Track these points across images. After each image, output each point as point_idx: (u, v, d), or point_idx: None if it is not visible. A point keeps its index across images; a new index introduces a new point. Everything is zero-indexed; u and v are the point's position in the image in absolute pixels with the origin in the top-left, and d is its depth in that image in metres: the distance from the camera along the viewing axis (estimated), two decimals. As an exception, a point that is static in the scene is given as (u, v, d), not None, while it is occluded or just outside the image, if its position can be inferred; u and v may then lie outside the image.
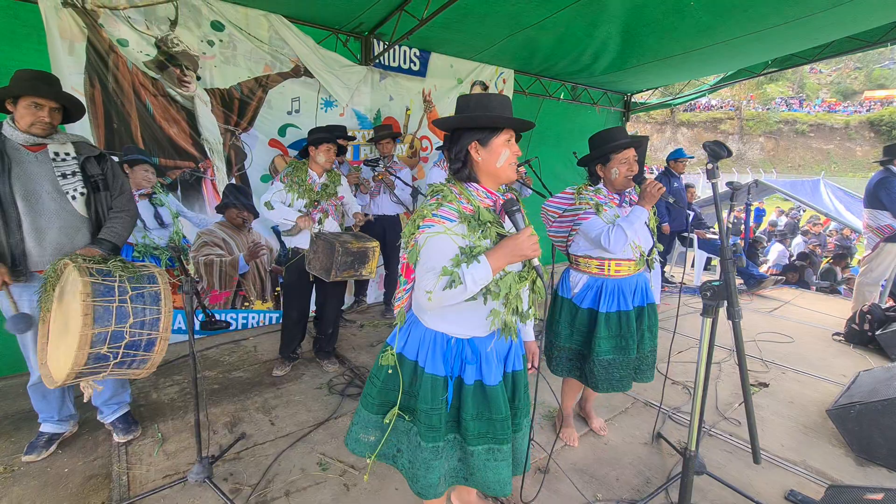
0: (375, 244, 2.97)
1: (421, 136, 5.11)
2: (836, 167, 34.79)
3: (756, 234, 9.87)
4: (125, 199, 2.32)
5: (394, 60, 4.69)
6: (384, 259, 4.53)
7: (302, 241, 3.08)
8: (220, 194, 3.90)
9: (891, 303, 5.22)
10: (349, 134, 4.28)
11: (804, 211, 15.24)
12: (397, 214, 4.37)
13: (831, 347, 4.05)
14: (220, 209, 3.93)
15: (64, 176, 2.10)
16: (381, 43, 4.49)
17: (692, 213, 5.98)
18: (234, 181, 3.93)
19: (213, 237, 3.97)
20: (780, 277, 5.81)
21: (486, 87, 5.50)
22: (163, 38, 3.36)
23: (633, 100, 7.61)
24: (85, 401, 2.16)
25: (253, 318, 4.21)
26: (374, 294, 4.94)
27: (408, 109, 4.90)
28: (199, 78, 3.59)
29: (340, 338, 3.94)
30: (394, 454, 1.57)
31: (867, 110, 37.89)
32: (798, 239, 11.21)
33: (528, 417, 1.60)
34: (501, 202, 1.45)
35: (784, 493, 2.20)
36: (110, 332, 1.85)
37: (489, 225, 1.37)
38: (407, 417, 1.52)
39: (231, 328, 4.11)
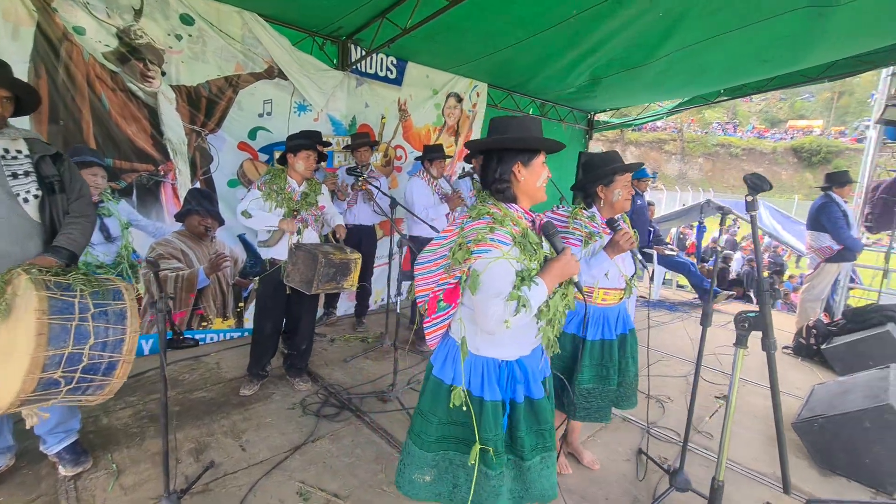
0: (358, 256, 2.86)
1: (395, 144, 5.03)
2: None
3: (724, 252, 10.47)
4: (84, 204, 2.08)
5: (370, 67, 4.59)
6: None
7: (279, 252, 2.91)
8: (182, 200, 3.62)
9: (826, 318, 5.69)
10: (325, 139, 4.11)
11: (739, 227, 16.46)
12: (373, 225, 4.26)
13: (783, 360, 4.33)
14: (180, 216, 3.64)
15: (15, 176, 1.85)
16: (359, 49, 4.39)
17: (653, 230, 6.26)
18: (198, 185, 3.67)
19: (170, 248, 3.67)
20: (731, 292, 6.19)
21: (460, 100, 5.51)
22: (125, 29, 3.09)
23: (596, 118, 7.91)
24: (27, 428, 1.91)
25: (212, 338, 3.91)
26: (344, 306, 4.76)
27: (383, 117, 4.81)
28: (164, 73, 3.33)
29: (311, 353, 3.76)
30: (450, 491, 1.53)
31: (791, 137, 41.69)
32: (737, 254, 12.06)
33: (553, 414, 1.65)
34: (540, 223, 1.51)
35: (761, 506, 2.29)
36: (66, 355, 1.63)
37: (536, 247, 1.43)
38: (491, 451, 1.45)
39: (196, 344, 3.79)
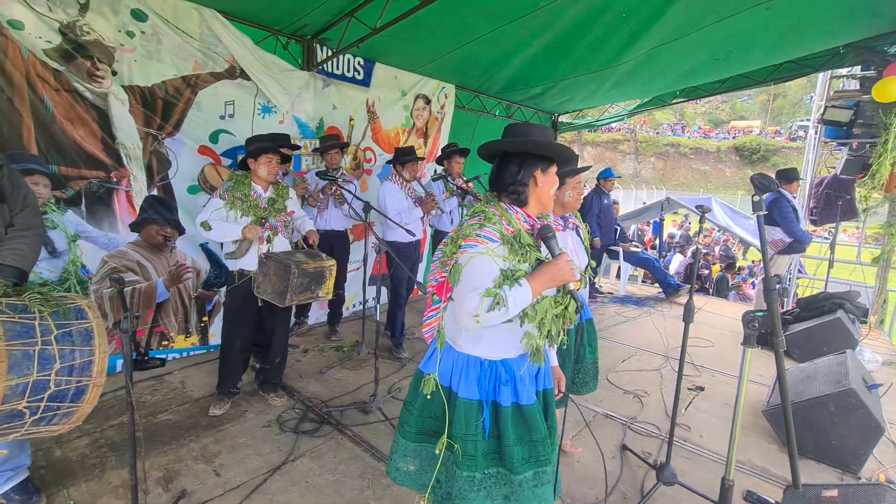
0: (332, 263, 2.76)
1: (364, 147, 4.91)
2: (711, 185, 40.13)
3: (695, 247, 10.89)
4: (30, 214, 1.88)
5: (337, 68, 4.46)
6: (328, 277, 4.25)
7: (248, 263, 2.76)
8: (137, 208, 3.37)
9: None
10: (293, 142, 3.96)
11: (691, 224, 17.36)
12: (346, 230, 4.13)
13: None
14: (136, 226, 3.37)
15: (-53, 187, 1.64)
16: (326, 49, 4.26)
17: (618, 228, 6.44)
18: (155, 192, 3.43)
19: (124, 261, 3.39)
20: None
21: (429, 101, 5.46)
22: (70, 24, 2.84)
23: (560, 119, 8.07)
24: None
25: (174, 357, 3.67)
26: (315, 314, 4.60)
27: (351, 119, 4.68)
28: (114, 73, 3.09)
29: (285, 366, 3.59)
30: (433, 486, 1.53)
31: (733, 137, 44.38)
32: (693, 249, 12.67)
33: (556, 437, 1.61)
34: (538, 227, 1.48)
35: (742, 493, 2.37)
36: (31, 383, 1.46)
37: (529, 248, 1.41)
38: (456, 446, 1.45)
39: (163, 364, 3.51)
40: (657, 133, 44.73)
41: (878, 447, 2.65)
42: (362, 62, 4.65)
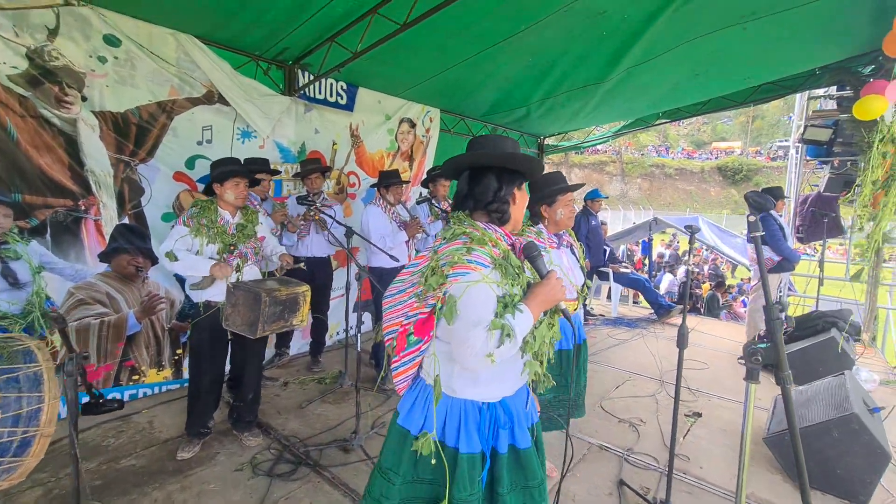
0: (305, 288, 2.63)
1: (348, 171, 4.84)
2: (697, 205, 40.83)
3: (686, 267, 10.88)
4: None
5: (319, 93, 4.43)
6: (311, 303, 4.08)
7: (215, 294, 2.60)
8: (107, 237, 3.22)
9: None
10: (272, 167, 3.87)
11: (680, 243, 17.49)
12: (328, 256, 4.01)
13: (738, 371, 4.44)
14: (106, 256, 3.23)
15: None
16: (307, 74, 4.22)
17: (608, 249, 6.39)
18: (126, 221, 3.29)
19: (92, 292, 3.23)
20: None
21: (413, 125, 5.44)
22: (37, 49, 2.75)
23: (546, 142, 8.12)
24: None
25: (145, 393, 3.46)
26: (297, 344, 4.41)
27: (334, 144, 4.62)
28: (84, 98, 2.99)
29: (262, 400, 3.39)
30: None
31: (716, 158, 45.45)
32: (682, 268, 12.68)
33: (545, 468, 1.47)
34: (520, 246, 1.39)
35: (748, 531, 2.22)
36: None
37: (519, 271, 1.32)
38: None
39: (122, 407, 3.29)
40: (642, 154, 45.66)
41: (886, 475, 2.53)
42: (345, 87, 4.62)
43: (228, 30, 3.43)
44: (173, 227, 2.52)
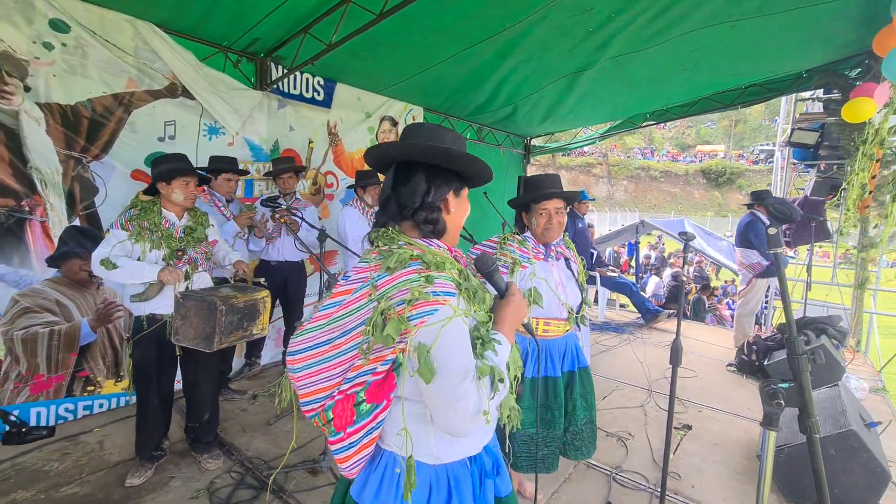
0: (265, 294, 2.41)
1: (326, 170, 4.61)
2: (681, 207, 41.31)
3: (674, 270, 10.82)
4: None
5: (294, 88, 4.20)
6: (284, 310, 3.87)
7: (160, 305, 2.35)
8: (56, 240, 2.96)
9: (758, 330, 5.91)
10: (241, 167, 3.64)
11: (664, 244, 17.56)
12: (301, 260, 3.78)
13: (728, 379, 4.33)
14: (54, 261, 2.97)
15: None
16: (281, 67, 3.99)
17: (594, 253, 6.27)
18: (77, 222, 3.03)
19: (39, 300, 2.96)
20: (671, 311, 6.30)
21: (395, 123, 5.24)
22: (-31, 32, 2.49)
23: (532, 143, 7.98)
24: None
25: (101, 405, 3.21)
26: (270, 353, 4.17)
27: (311, 142, 4.39)
28: (28, 89, 2.73)
29: (227, 416, 3.17)
30: None
31: (700, 161, 46.07)
32: (668, 271, 12.68)
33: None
34: (470, 258, 1.21)
35: (744, 560, 2.07)
36: None
37: (482, 290, 1.12)
38: None
39: (52, 434, 2.72)
40: (628, 157, 46.07)
41: (885, 493, 2.40)
42: (322, 82, 4.40)
43: (190, 16, 3.20)
44: (108, 230, 2.26)
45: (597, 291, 6.55)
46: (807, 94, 5.91)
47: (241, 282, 2.80)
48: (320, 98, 4.41)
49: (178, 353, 2.36)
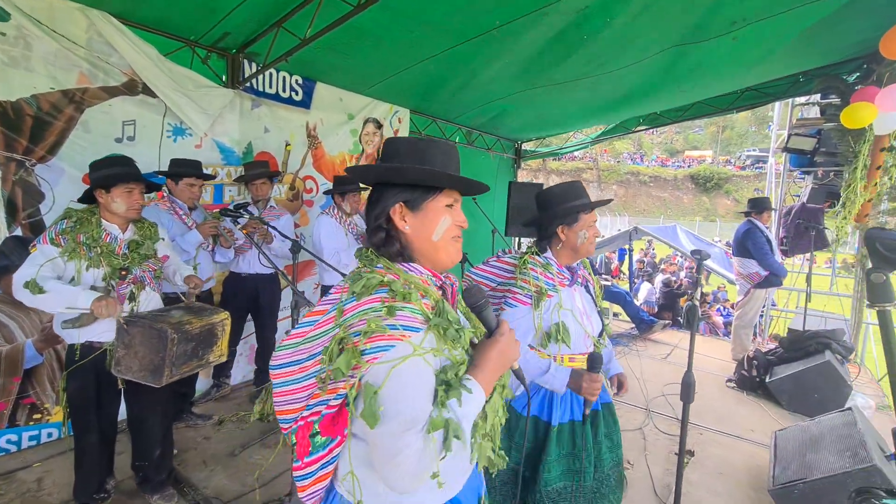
0: (223, 316, 2.14)
1: (304, 175, 4.34)
2: (671, 212, 41.60)
3: (666, 277, 10.68)
4: None
5: (270, 86, 3.93)
6: (256, 326, 3.58)
7: (98, 332, 2.03)
8: (-6, 252, 2.65)
9: (756, 341, 5.74)
10: (209, 171, 3.36)
11: (655, 250, 17.50)
12: (275, 272, 3.49)
13: (728, 395, 4.13)
14: (-9, 274, 2.67)
15: None
16: (255, 64, 3.72)
17: (588, 260, 6.06)
18: (19, 233, 2.72)
19: (-24, 317, 2.66)
20: (666, 321, 6.11)
21: (380, 126, 4.98)
22: None
23: (523, 147, 7.78)
24: None
25: (49, 434, 2.89)
26: (241, 371, 3.87)
27: (287, 144, 4.12)
28: (-43, 82, 2.43)
29: (187, 445, 2.88)
30: None
31: (688, 166, 46.48)
32: (660, 277, 12.56)
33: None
34: (454, 290, 1.06)
35: None
36: None
37: (457, 326, 0.95)
38: None
39: None
40: (618, 162, 46.31)
41: (908, 534, 2.19)
42: (301, 81, 4.14)
43: (151, 7, 2.92)
44: (34, 246, 1.96)
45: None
46: (803, 99, 5.77)
47: (197, 299, 2.52)
48: (298, 98, 4.14)
49: (121, 387, 2.07)
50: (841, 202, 4.67)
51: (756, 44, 3.82)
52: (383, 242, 0.99)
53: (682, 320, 8.63)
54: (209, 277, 3.15)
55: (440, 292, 1.01)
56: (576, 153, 42.89)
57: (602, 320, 1.79)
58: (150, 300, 2.16)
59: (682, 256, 13.97)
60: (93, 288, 1.92)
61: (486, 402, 0.95)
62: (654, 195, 44.45)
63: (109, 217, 2.07)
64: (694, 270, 12.65)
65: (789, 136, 5.46)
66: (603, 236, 12.35)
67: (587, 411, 1.47)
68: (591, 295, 1.72)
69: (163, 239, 2.27)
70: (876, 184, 4.27)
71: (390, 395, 0.83)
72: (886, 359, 0.81)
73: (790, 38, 3.83)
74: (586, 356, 1.70)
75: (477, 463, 1.04)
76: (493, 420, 0.97)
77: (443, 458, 0.84)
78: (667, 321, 6.14)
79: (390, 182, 0.99)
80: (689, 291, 10.52)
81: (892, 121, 3.97)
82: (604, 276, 6.39)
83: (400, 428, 0.81)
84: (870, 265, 0.78)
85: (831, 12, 3.49)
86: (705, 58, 4.03)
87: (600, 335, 1.78)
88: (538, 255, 1.70)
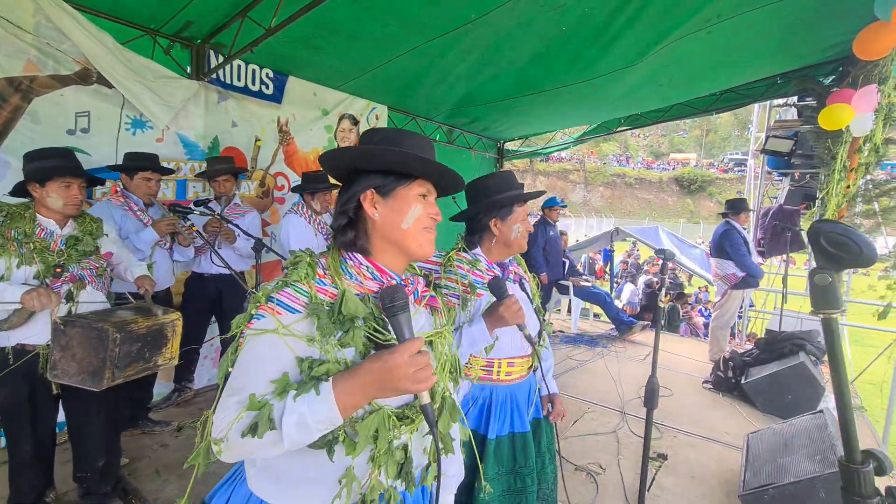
0: (175, 316, 2.02)
1: (275, 171, 4.21)
2: (655, 213, 42.10)
3: (647, 279, 10.68)
4: None
5: (239, 79, 3.79)
6: (220, 328, 3.46)
7: (30, 334, 1.88)
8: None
9: (731, 341, 5.76)
10: (171, 166, 3.22)
11: (639, 251, 17.62)
12: (242, 272, 3.36)
13: (705, 398, 4.10)
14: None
15: None
16: (222, 56, 3.58)
17: (567, 262, 6.02)
18: (-42, 228, 2.55)
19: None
20: (645, 322, 6.10)
21: (356, 122, 4.87)
22: None
23: (506, 147, 7.72)
24: None
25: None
26: (207, 375, 3.73)
27: (257, 140, 3.98)
28: None
29: (142, 453, 2.74)
30: None
31: (673, 168, 47.11)
32: (643, 278, 12.62)
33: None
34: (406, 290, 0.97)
35: None
36: None
37: (357, 324, 0.87)
38: None
39: None
40: (604, 163, 46.72)
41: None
42: (272, 74, 4.00)
43: (103, -9, 2.78)
44: None
45: (570, 302, 6.32)
46: (781, 101, 5.81)
47: (155, 300, 2.38)
48: (269, 92, 4.01)
49: (55, 392, 1.93)
50: (818, 204, 4.69)
51: (731, 37, 3.79)
52: (342, 229, 0.96)
53: (663, 322, 8.67)
54: (172, 277, 3.03)
55: (377, 290, 0.93)
56: (563, 154, 43.23)
57: (540, 320, 1.67)
58: (92, 300, 2.03)
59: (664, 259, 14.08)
60: (26, 285, 1.79)
61: (359, 419, 0.86)
62: (640, 197, 44.93)
63: (46, 212, 1.93)
64: (673, 271, 12.75)
65: (766, 138, 5.48)
66: (587, 236, 12.39)
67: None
68: (526, 293, 1.61)
69: (107, 235, 2.14)
70: (849, 186, 4.28)
71: (239, 360, 0.86)
72: (833, 376, 0.73)
73: (765, 33, 3.82)
74: (525, 358, 1.62)
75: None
76: (366, 443, 0.85)
77: (244, 434, 0.79)
78: (646, 322, 6.13)
79: (362, 168, 0.96)
80: (671, 292, 10.61)
81: (868, 122, 3.98)
82: (585, 277, 6.35)
83: (227, 391, 0.84)
84: (814, 264, 0.70)
85: (806, 11, 3.49)
86: (681, 52, 3.99)
87: (539, 336, 1.66)
88: (465, 252, 1.58)
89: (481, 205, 1.55)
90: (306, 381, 0.83)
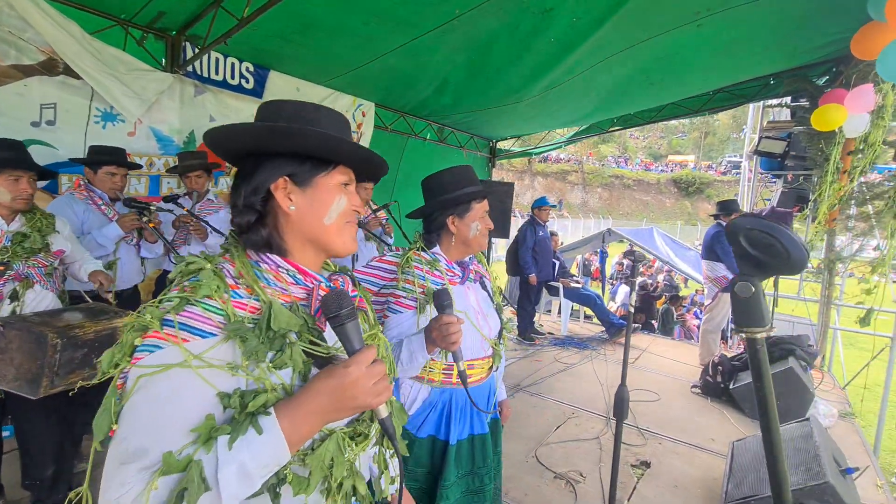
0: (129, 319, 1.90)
1: (256, 169, 4.10)
2: (653, 215, 42.06)
3: (641, 281, 10.63)
4: None
5: (217, 73, 3.69)
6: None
7: None
8: None
9: (724, 346, 5.68)
10: (141, 161, 3.12)
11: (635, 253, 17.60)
12: (210, 271, 3.26)
13: (692, 402, 4.02)
14: None
15: None
16: (198, 48, 3.49)
17: (557, 263, 5.93)
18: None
19: None
20: (637, 325, 6.02)
21: (341, 119, 4.77)
22: None
23: (498, 146, 7.64)
24: None
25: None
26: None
27: (237, 135, 3.88)
28: None
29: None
30: None
31: (671, 170, 47.09)
32: (637, 280, 12.54)
33: None
34: (319, 296, 0.80)
35: None
36: None
37: (290, 340, 0.74)
38: None
39: None
40: (603, 165, 46.70)
41: (862, 554, 2.08)
42: (253, 68, 3.91)
43: (70, -21, 2.68)
44: None
45: (560, 304, 6.23)
46: (774, 102, 5.74)
47: (121, 298, 2.29)
48: (249, 86, 3.91)
49: (0, 397, 1.84)
50: (811, 206, 4.62)
51: (722, 32, 3.71)
52: (250, 227, 0.79)
53: (655, 323, 8.61)
54: (139, 274, 2.93)
55: (304, 296, 0.81)
56: (561, 155, 43.19)
57: (501, 318, 1.59)
58: (41, 300, 1.93)
59: (664, 262, 14.03)
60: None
61: (309, 450, 0.73)
62: (638, 198, 44.90)
63: None
64: (665, 271, 12.67)
65: (760, 139, 5.41)
66: (583, 238, 12.29)
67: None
68: (487, 292, 1.53)
69: (58, 232, 2.04)
70: (841, 188, 4.21)
71: (129, 410, 0.65)
72: (759, 411, 0.63)
73: (757, 30, 3.74)
74: (486, 359, 1.53)
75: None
76: (320, 475, 0.73)
77: None
78: (637, 325, 6.04)
79: (269, 151, 0.80)
80: (665, 294, 10.53)
81: (862, 123, 3.90)
82: (575, 278, 6.27)
83: (117, 458, 0.62)
84: (743, 289, 0.60)
85: (797, 8, 3.42)
86: (672, 46, 3.90)
87: (499, 335, 1.57)
88: (424, 252, 1.48)
89: (437, 201, 1.45)
90: (238, 419, 0.67)
